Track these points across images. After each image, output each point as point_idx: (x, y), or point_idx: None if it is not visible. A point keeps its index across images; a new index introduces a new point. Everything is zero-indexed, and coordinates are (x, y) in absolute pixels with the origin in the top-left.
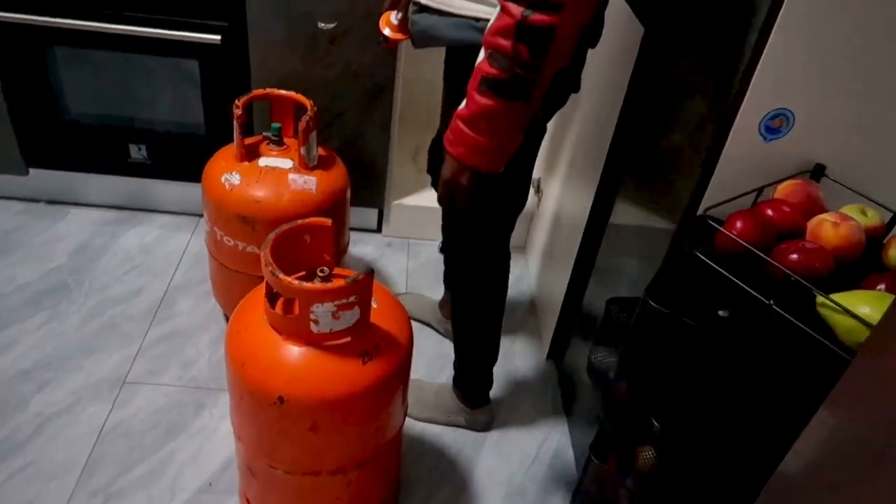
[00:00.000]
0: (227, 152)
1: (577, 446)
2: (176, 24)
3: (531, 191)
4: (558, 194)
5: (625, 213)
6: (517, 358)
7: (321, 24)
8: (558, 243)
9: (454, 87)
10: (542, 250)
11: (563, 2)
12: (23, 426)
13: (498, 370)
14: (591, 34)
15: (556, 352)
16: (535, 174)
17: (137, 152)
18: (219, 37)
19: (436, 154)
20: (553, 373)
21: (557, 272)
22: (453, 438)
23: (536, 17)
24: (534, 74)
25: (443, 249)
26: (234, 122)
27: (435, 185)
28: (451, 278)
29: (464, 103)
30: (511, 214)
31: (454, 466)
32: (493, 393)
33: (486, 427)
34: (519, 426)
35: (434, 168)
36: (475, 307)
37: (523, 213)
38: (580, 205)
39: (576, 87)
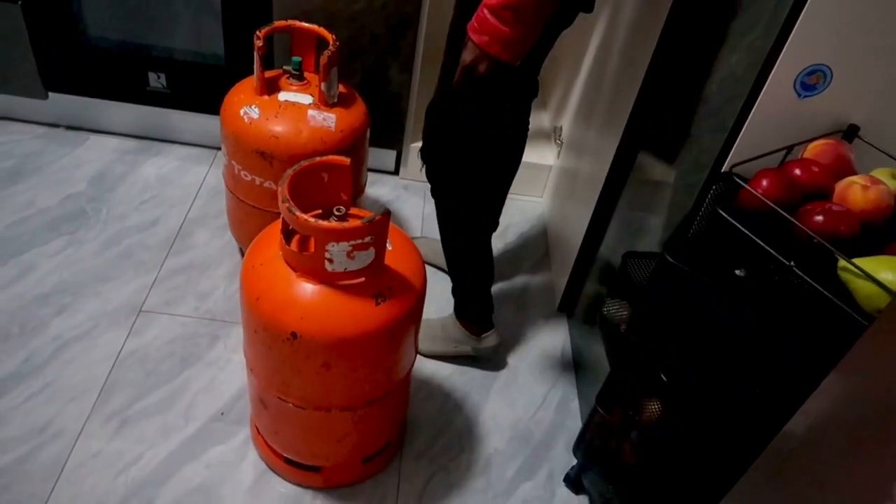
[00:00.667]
0: (247, 85)
1: (583, 396)
2: None
3: (555, 141)
4: (579, 144)
5: (648, 167)
6: (528, 307)
7: None
8: (577, 194)
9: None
10: (560, 201)
11: None
12: (42, 348)
13: (509, 319)
14: None
15: (568, 303)
16: (557, 123)
17: (157, 80)
18: None
19: (432, 120)
20: (563, 324)
21: (574, 223)
22: (461, 382)
23: None
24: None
25: (425, 157)
26: (255, 54)
27: (426, 161)
28: (436, 193)
29: None
30: (507, 136)
31: (460, 409)
32: (503, 338)
33: (493, 352)
34: (527, 374)
35: (429, 135)
36: (460, 225)
37: (542, 163)
38: (602, 156)
39: (588, 7)
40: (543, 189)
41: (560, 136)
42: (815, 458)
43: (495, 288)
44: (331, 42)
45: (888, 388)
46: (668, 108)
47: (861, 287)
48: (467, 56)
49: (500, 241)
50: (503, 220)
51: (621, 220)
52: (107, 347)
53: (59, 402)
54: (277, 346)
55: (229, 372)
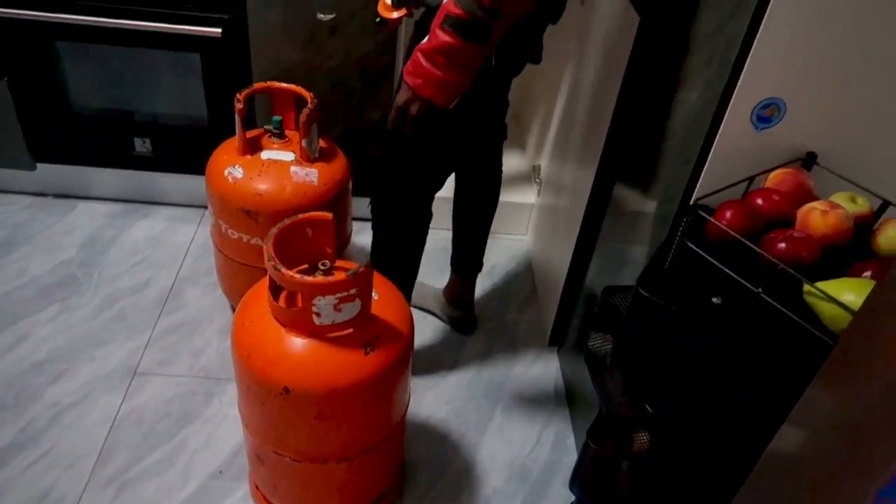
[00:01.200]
0: (230, 146)
1: (577, 431)
2: (177, 17)
3: (534, 180)
4: (558, 182)
5: (624, 201)
6: (519, 344)
7: (320, 15)
8: (558, 230)
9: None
10: (543, 238)
11: None
12: (39, 417)
13: (500, 355)
14: (552, 10)
15: (558, 338)
16: (535, 162)
17: (142, 145)
18: (220, 30)
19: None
20: (554, 359)
21: (558, 259)
22: (457, 423)
23: None
24: (492, 19)
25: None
26: (236, 116)
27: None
28: (373, 212)
29: (426, 38)
30: (438, 166)
31: (457, 450)
32: (495, 378)
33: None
34: (521, 411)
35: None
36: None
37: (523, 202)
38: (580, 192)
39: (535, 59)
40: (526, 227)
41: (539, 174)
42: (797, 476)
43: (486, 325)
44: (309, 100)
45: (856, 405)
46: (637, 143)
47: (826, 309)
48: (401, 98)
49: (487, 279)
50: (489, 259)
51: (604, 253)
52: (103, 411)
53: (58, 469)
54: (270, 401)
55: (226, 428)
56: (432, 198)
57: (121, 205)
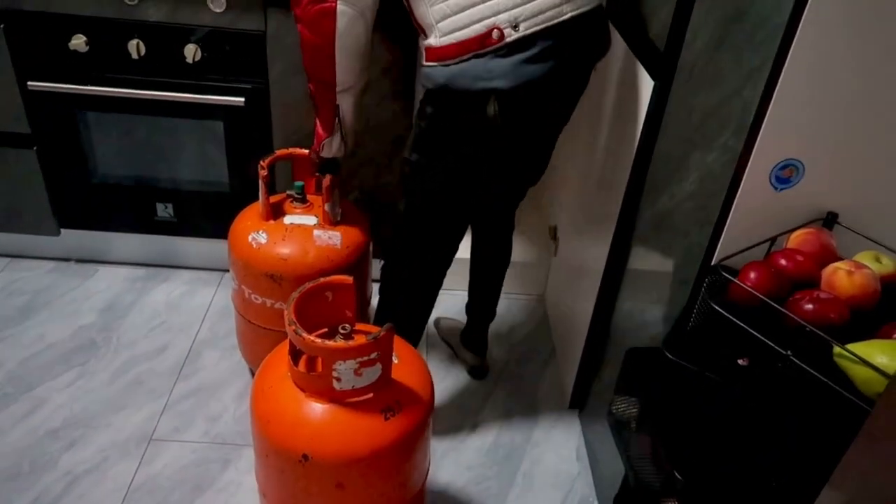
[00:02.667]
0: (253, 211)
1: (602, 498)
2: (201, 87)
3: (551, 239)
4: (575, 241)
5: (643, 261)
6: (539, 406)
7: None
8: (576, 291)
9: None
10: (561, 297)
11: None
12: (52, 486)
13: (520, 418)
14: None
15: (579, 401)
16: (551, 222)
17: (164, 210)
18: (243, 99)
19: None
20: (576, 422)
21: (577, 319)
22: (476, 491)
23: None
24: (316, 103)
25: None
26: (260, 182)
27: None
28: (386, 274)
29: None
30: (450, 216)
31: None
32: (516, 441)
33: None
34: (543, 478)
35: None
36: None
37: (540, 262)
38: (597, 253)
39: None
40: (544, 286)
41: (556, 234)
42: None
43: (506, 387)
44: None
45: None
46: (655, 205)
47: (858, 372)
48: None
49: (505, 341)
50: (507, 320)
51: (624, 314)
52: (117, 480)
53: None
54: (289, 468)
55: (241, 497)
56: (448, 261)
57: (142, 269)
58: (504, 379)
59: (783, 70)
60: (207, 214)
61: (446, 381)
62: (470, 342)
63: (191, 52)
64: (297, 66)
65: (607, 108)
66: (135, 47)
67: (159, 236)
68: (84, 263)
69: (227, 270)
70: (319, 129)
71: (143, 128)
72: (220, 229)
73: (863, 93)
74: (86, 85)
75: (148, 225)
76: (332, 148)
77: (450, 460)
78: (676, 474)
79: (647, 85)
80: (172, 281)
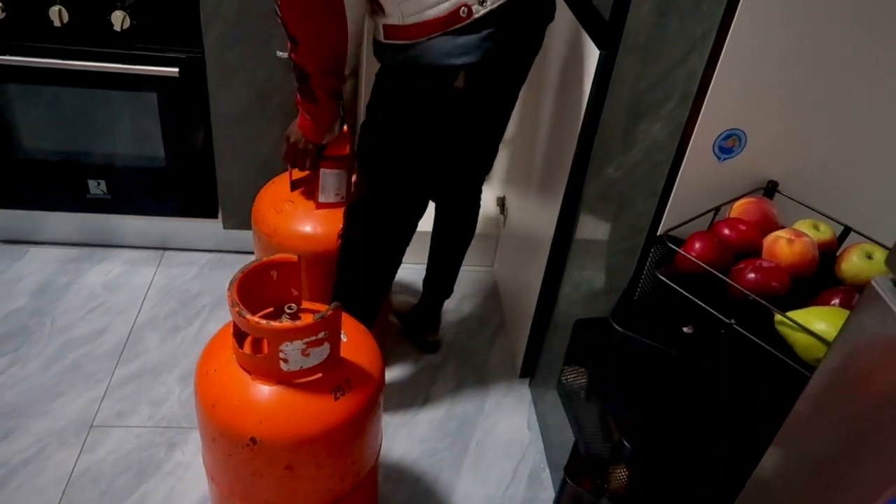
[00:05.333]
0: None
1: (553, 465)
2: (132, 57)
3: (496, 210)
4: (523, 214)
5: (591, 231)
6: (490, 377)
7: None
8: (525, 262)
9: None
10: (511, 268)
11: (298, 40)
12: None
13: (471, 390)
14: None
15: (529, 371)
16: (499, 193)
17: (97, 187)
18: (177, 69)
19: None
20: (526, 392)
21: (526, 290)
22: (430, 463)
23: (292, 54)
24: (304, 86)
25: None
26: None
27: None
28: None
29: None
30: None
31: (432, 491)
32: (468, 413)
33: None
34: (495, 447)
35: None
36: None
37: (489, 234)
38: (545, 223)
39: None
40: (493, 259)
41: (505, 205)
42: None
43: (457, 359)
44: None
45: (835, 435)
46: (602, 176)
47: (799, 339)
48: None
49: (455, 313)
50: (456, 292)
51: (572, 284)
52: (57, 469)
53: None
54: (237, 452)
55: (189, 481)
56: (408, 239)
57: (76, 249)
58: (455, 351)
59: (727, 39)
60: (143, 191)
61: (397, 355)
62: (423, 317)
63: (118, 19)
64: (233, 35)
65: (553, 78)
66: (56, 14)
67: (93, 214)
68: (12, 244)
69: (166, 249)
70: (310, 120)
71: (72, 100)
72: (157, 206)
73: (804, 64)
74: (3, 55)
75: (80, 203)
76: (333, 133)
77: (402, 434)
78: (624, 442)
79: (592, 54)
80: (109, 261)
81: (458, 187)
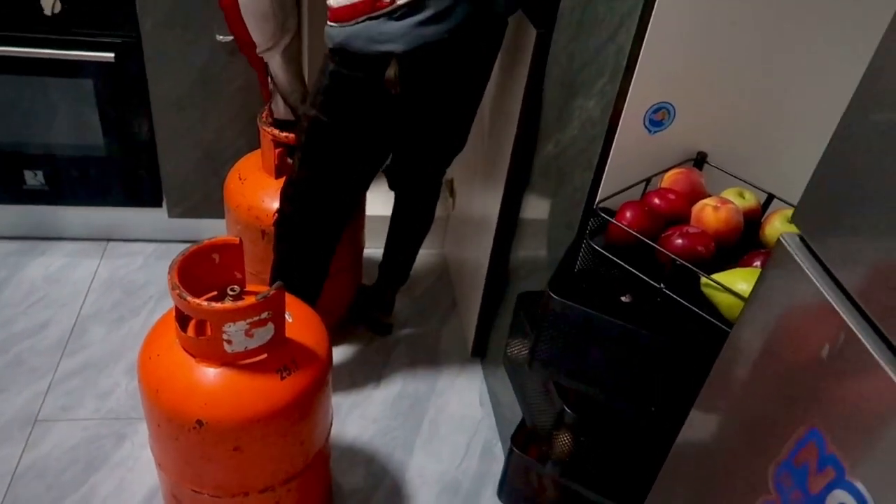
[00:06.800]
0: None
1: (504, 439)
2: (65, 42)
3: (445, 194)
4: (469, 195)
5: (534, 208)
6: (442, 357)
7: (219, 37)
8: (473, 242)
9: None
10: (459, 250)
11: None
12: None
13: (424, 369)
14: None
15: (480, 348)
16: (448, 176)
17: (34, 178)
18: (112, 54)
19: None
20: (478, 370)
21: (475, 270)
22: (383, 443)
23: None
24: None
25: None
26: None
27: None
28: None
29: None
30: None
31: (386, 470)
32: (420, 392)
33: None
34: (448, 424)
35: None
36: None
37: (438, 215)
38: (491, 203)
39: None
40: (443, 241)
41: (453, 188)
42: (707, 462)
43: (409, 340)
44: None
45: (751, 389)
46: (541, 152)
47: (722, 299)
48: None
49: (407, 295)
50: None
51: (520, 261)
52: (1, 466)
53: None
54: (184, 436)
55: (138, 472)
56: (344, 221)
57: (15, 242)
58: (407, 333)
59: (652, 15)
60: (83, 181)
61: (349, 337)
62: (377, 301)
63: (48, 3)
64: (171, 19)
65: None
66: None
67: (31, 206)
68: None
69: (110, 240)
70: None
71: (3, 88)
72: (99, 196)
73: (728, 38)
74: None
75: (16, 195)
76: (279, 109)
77: (355, 415)
78: (566, 409)
79: (530, 34)
80: (50, 254)
81: (414, 178)
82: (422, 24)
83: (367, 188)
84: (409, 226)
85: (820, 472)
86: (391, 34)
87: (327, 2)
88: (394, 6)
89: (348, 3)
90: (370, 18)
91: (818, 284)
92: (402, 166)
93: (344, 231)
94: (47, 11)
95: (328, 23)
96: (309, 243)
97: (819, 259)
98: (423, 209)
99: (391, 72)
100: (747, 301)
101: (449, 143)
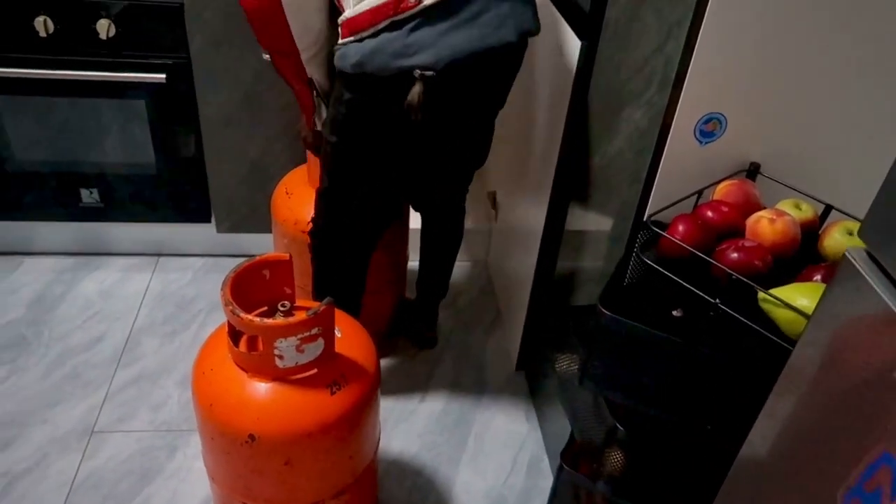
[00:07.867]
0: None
1: (551, 455)
2: (119, 65)
3: (487, 206)
4: (513, 207)
5: (580, 220)
6: (487, 371)
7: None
8: (518, 254)
9: None
10: (503, 262)
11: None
12: None
13: (468, 383)
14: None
15: (525, 362)
16: (490, 188)
17: (89, 196)
18: (164, 75)
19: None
20: (523, 384)
21: (520, 282)
22: (429, 457)
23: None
24: (287, 80)
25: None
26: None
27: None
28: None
29: None
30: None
31: (432, 485)
32: (465, 406)
33: None
34: (493, 439)
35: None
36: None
37: (482, 228)
38: (535, 215)
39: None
40: (486, 252)
41: (495, 200)
42: (769, 481)
43: (453, 353)
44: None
45: (817, 408)
46: (588, 164)
47: (781, 315)
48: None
49: (450, 308)
50: (451, 287)
51: (566, 274)
52: (59, 476)
53: None
54: (236, 450)
55: (191, 483)
56: (375, 239)
57: (70, 258)
58: (451, 346)
59: (702, 24)
60: (136, 198)
61: (394, 351)
62: (420, 315)
63: (104, 27)
64: (219, 39)
65: (538, 71)
66: (42, 24)
67: (86, 223)
68: (7, 256)
69: (160, 255)
70: (303, 105)
71: (61, 110)
72: (150, 212)
73: (780, 46)
74: None
75: (73, 212)
76: (321, 117)
77: (401, 430)
78: (618, 426)
79: (574, 45)
80: (104, 269)
81: (436, 198)
82: (452, 29)
83: (400, 198)
84: (438, 243)
85: (895, 499)
86: (420, 44)
87: (342, 17)
88: (421, 6)
89: (369, 7)
90: (393, 25)
91: (888, 301)
92: (422, 187)
93: (378, 243)
94: (102, 36)
95: (340, 41)
96: (341, 256)
97: (888, 274)
98: (450, 227)
99: (414, 94)
100: (811, 318)
101: (469, 161)
